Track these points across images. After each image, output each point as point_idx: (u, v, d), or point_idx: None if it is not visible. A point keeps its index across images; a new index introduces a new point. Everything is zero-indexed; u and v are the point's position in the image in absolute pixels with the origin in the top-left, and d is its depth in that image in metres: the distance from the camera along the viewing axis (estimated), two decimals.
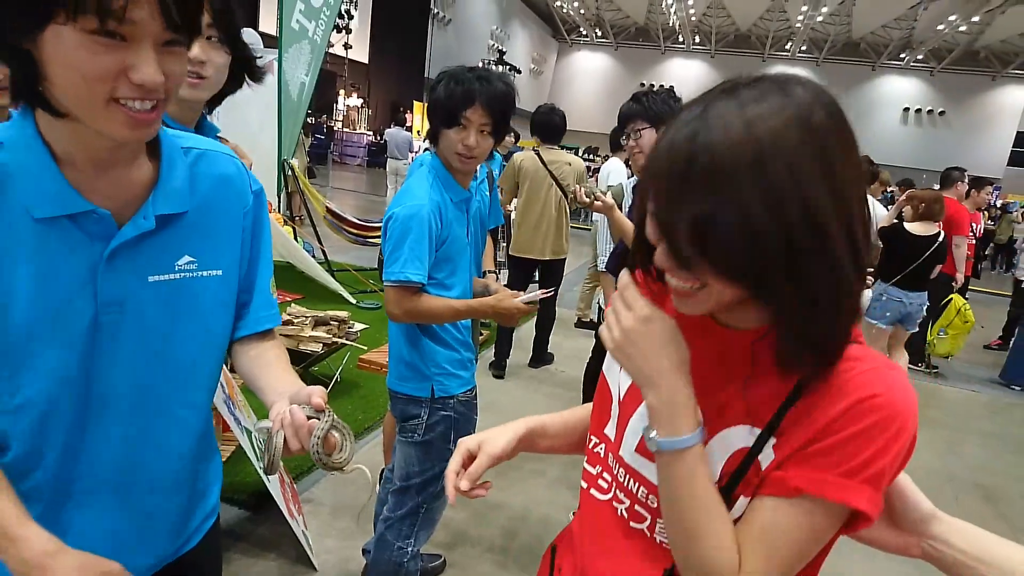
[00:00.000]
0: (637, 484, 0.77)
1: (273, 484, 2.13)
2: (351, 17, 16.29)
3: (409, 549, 1.84)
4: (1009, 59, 25.09)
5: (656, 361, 0.67)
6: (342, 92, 19.94)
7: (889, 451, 0.61)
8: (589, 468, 0.85)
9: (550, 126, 4.16)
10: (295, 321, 3.30)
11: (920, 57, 25.91)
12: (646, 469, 0.75)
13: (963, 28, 22.11)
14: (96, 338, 0.79)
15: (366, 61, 20.59)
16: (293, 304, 3.62)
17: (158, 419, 0.88)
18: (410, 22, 20.25)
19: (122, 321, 0.80)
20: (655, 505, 0.74)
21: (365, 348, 3.52)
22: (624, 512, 0.78)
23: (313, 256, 5.62)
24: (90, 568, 0.73)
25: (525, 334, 4.78)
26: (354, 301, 5.34)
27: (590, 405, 0.96)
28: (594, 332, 5.48)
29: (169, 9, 0.68)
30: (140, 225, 0.80)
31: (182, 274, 0.85)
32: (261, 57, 1.34)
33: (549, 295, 1.99)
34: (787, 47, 27.41)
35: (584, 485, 0.85)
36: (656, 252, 0.66)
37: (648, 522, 0.76)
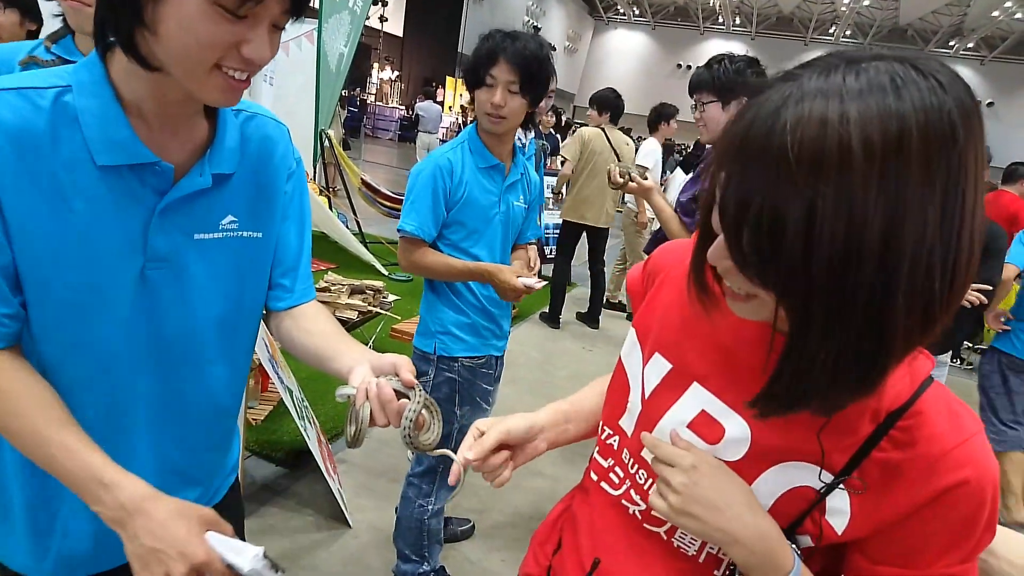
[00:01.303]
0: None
1: (312, 442, 2.20)
2: None
3: (430, 507, 1.89)
4: None
5: (727, 513, 0.61)
6: (376, 65, 19.93)
7: (989, 527, 0.59)
8: (600, 460, 0.81)
9: (617, 107, 4.65)
10: (332, 289, 3.37)
11: (971, 45, 24.93)
12: None
13: (1019, 15, 21.17)
14: (142, 291, 0.79)
15: (401, 35, 20.52)
16: (329, 272, 3.69)
17: (198, 375, 0.88)
18: None
19: (167, 276, 0.81)
20: None
21: (399, 318, 3.58)
22: (637, 513, 0.74)
23: (347, 227, 5.69)
24: (188, 512, 0.72)
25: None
26: (386, 272, 5.40)
27: (598, 388, 0.93)
28: (626, 315, 5.53)
29: None
30: (197, 182, 0.80)
31: (224, 233, 0.85)
32: None
33: (544, 285, 1.97)
34: (831, 31, 26.59)
35: (594, 477, 0.81)
36: (712, 246, 0.58)
37: (667, 527, 0.72)
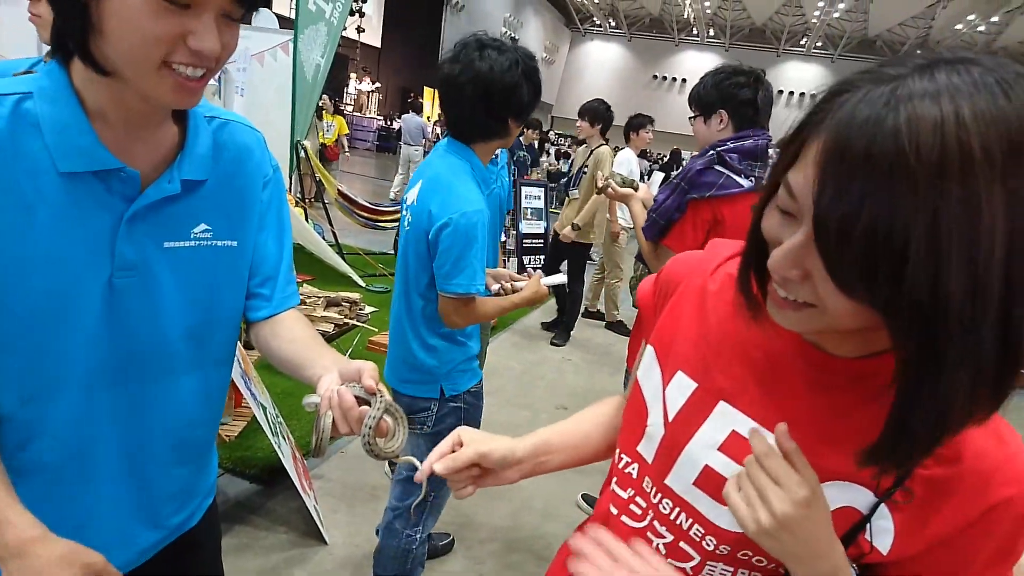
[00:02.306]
0: (690, 520, 0.68)
1: (286, 459, 2.17)
2: (365, 0, 16.21)
3: (417, 536, 1.86)
4: None
5: (814, 545, 0.57)
6: (353, 76, 19.89)
7: None
8: (619, 491, 0.77)
9: (609, 119, 4.51)
10: (307, 301, 3.34)
11: None
12: (705, 505, 0.67)
13: (981, 28, 21.84)
14: (110, 300, 0.78)
15: (378, 45, 20.52)
16: (305, 284, 3.66)
17: (167, 386, 0.87)
18: (423, 7, 20.15)
19: (135, 285, 0.79)
20: (711, 547, 0.67)
21: (376, 330, 3.55)
22: (662, 547, 0.70)
23: (324, 238, 5.65)
24: (72, 559, 0.69)
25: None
26: (363, 284, 5.36)
27: (589, 416, 0.90)
28: (604, 324, 5.55)
29: None
30: (165, 188, 0.78)
31: (197, 242, 0.84)
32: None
33: (563, 280, 2.04)
34: (802, 43, 27.17)
35: (613, 510, 0.76)
36: (774, 253, 0.55)
37: (695, 563, 0.68)
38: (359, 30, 16.66)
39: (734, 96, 1.90)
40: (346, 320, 3.37)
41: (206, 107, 0.87)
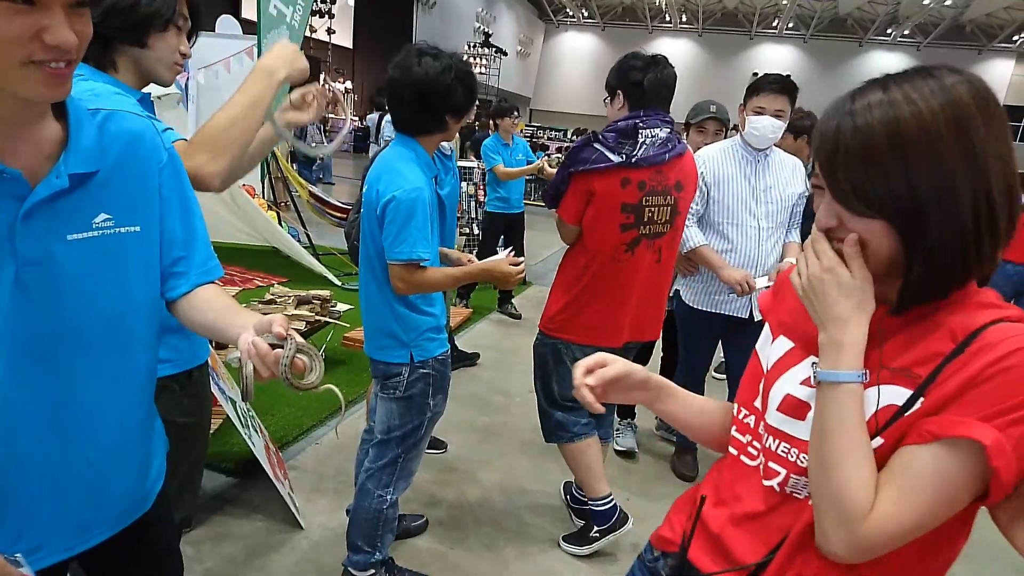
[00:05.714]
0: (777, 441, 0.82)
1: (259, 450, 2.25)
2: (334, 1, 16.14)
3: (388, 497, 1.98)
4: (994, 33, 25.09)
5: (832, 307, 0.74)
6: (323, 77, 19.81)
7: None
8: (738, 436, 0.91)
9: None
10: (278, 300, 3.41)
11: (906, 32, 25.89)
12: (787, 425, 0.82)
13: (949, 2, 22.09)
14: (20, 295, 0.79)
15: (350, 46, 20.44)
16: (276, 284, 3.72)
17: (91, 372, 0.89)
18: (394, 5, 20.07)
19: (44, 279, 0.81)
20: (793, 458, 0.80)
21: (348, 326, 3.62)
22: (776, 486, 0.83)
23: (298, 240, 5.71)
24: None
25: None
26: (339, 283, 5.43)
27: (712, 402, 1.04)
28: None
29: None
30: (53, 184, 0.80)
31: (100, 231, 0.86)
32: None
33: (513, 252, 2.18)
34: (774, 24, 27.34)
35: (734, 451, 0.91)
36: (819, 214, 0.77)
37: (780, 477, 0.81)
38: (329, 32, 16.59)
39: (627, 79, 2.10)
40: (318, 318, 3.44)
41: (88, 100, 0.91)
